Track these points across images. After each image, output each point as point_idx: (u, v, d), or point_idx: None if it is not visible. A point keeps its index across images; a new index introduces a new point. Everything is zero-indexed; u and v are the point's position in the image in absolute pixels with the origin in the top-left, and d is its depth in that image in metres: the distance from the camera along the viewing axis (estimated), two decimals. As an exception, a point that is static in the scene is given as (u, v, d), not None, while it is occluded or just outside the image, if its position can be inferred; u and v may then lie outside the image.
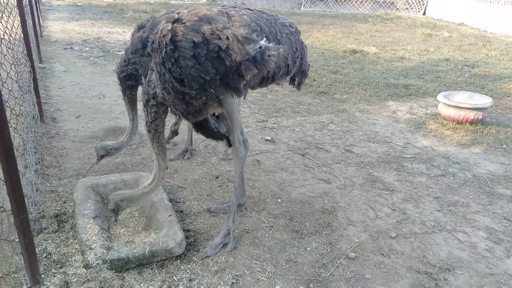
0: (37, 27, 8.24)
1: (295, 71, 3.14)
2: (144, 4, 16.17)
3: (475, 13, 15.52)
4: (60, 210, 3.23)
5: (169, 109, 2.76)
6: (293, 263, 2.91)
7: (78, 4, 15.95)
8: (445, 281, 2.83)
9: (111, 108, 5.67)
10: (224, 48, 2.27)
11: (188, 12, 2.41)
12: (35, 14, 7.97)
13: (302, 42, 3.11)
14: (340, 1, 19.47)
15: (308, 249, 3.08)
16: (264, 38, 2.46)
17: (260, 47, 2.31)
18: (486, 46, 11.68)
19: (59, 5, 15.39)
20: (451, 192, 4.00)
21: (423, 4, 18.72)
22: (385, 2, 19.92)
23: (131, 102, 3.51)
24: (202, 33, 2.28)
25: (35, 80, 4.87)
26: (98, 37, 10.25)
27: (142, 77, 2.71)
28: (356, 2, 19.53)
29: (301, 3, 18.99)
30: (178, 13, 2.42)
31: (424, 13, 18.51)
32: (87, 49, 9.04)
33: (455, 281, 2.83)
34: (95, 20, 12.59)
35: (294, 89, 3.45)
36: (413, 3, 19.08)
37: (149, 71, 2.59)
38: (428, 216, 3.59)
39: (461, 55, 10.32)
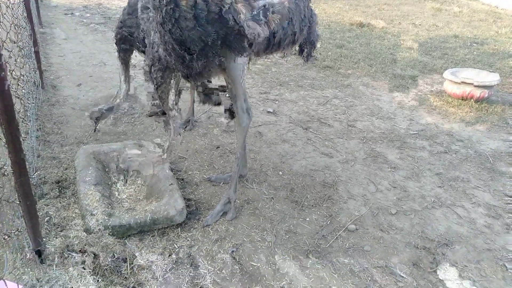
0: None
1: (302, 39, 3.04)
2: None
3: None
4: (61, 176, 3.24)
5: (172, 74, 2.73)
6: (293, 234, 2.94)
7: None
8: (443, 255, 2.85)
9: (112, 76, 5.60)
10: (226, 8, 2.20)
11: None
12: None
13: (311, 9, 3.00)
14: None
15: (308, 220, 3.10)
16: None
17: (264, 5, 2.26)
18: (496, 22, 11.37)
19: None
20: (453, 169, 3.98)
21: (434, -22, 18.06)
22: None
23: (125, 64, 3.50)
24: None
25: (35, 43, 4.77)
26: (99, 3, 10.01)
27: (146, 38, 2.63)
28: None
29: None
30: None
31: (434, -12, 17.90)
32: (88, 15, 8.84)
33: (453, 255, 2.86)
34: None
35: (302, 60, 3.37)
36: (423, -23, 18.42)
37: (152, 32, 2.52)
38: (429, 192, 3.59)
39: (470, 32, 10.06)
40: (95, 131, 3.76)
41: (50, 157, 3.51)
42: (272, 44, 2.68)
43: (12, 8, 3.30)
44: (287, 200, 3.31)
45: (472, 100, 5.50)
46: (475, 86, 5.38)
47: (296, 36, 2.84)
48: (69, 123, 4.20)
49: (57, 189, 3.07)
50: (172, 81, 2.77)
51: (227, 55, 2.51)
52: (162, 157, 3.14)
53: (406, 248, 2.90)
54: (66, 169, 3.36)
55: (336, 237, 2.94)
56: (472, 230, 3.15)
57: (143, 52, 3.10)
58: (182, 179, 3.43)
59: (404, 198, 3.49)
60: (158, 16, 2.28)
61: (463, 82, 5.43)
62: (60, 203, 2.93)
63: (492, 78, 5.49)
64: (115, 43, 3.36)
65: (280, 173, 3.69)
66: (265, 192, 3.38)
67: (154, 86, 2.69)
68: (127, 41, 3.28)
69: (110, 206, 2.83)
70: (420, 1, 14.47)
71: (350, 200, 3.39)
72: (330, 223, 3.08)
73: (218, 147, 4.01)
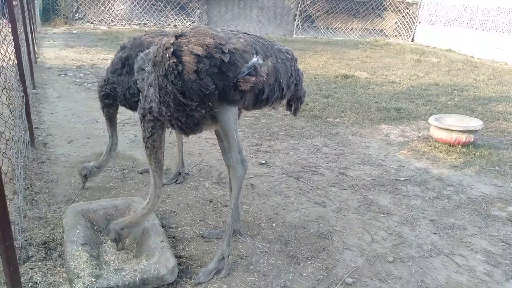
0: (32, 53, 8.27)
1: (290, 95, 3.16)
2: (139, 32, 16.40)
3: (461, 39, 15.98)
4: (48, 237, 3.13)
5: (163, 126, 2.81)
6: (289, 290, 2.82)
7: (73, 32, 16.13)
8: (445, 306, 2.75)
9: (103, 133, 5.63)
10: (226, 62, 2.37)
11: (192, 29, 2.50)
12: (30, 41, 8.01)
13: (298, 69, 3.16)
14: (331, 29, 19.98)
15: (304, 274, 2.99)
16: (257, 57, 2.56)
17: (254, 65, 2.45)
18: (474, 71, 11.95)
19: (54, 33, 15.54)
20: (447, 215, 3.97)
21: (411, 32, 19.26)
22: (375, 29, 20.47)
23: (110, 120, 4.00)
24: (206, 46, 2.35)
25: (27, 105, 4.84)
26: (93, 64, 10.32)
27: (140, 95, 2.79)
28: (346, 29, 20.05)
29: (293, 30, 19.43)
30: (181, 30, 2.53)
31: (412, 40, 19.03)
32: (81, 75, 9.07)
33: (455, 306, 2.76)
34: (90, 47, 12.71)
35: (290, 114, 3.46)
36: (401, 31, 19.64)
37: (146, 88, 2.65)
38: (425, 240, 3.54)
39: (450, 80, 10.53)
40: (83, 187, 3.95)
41: (37, 217, 3.42)
42: (260, 100, 2.78)
43: (5, 73, 3.38)
44: (282, 253, 3.22)
45: (459, 145, 5.61)
46: (460, 131, 5.53)
47: (284, 92, 2.96)
48: (59, 181, 4.15)
49: (43, 251, 2.95)
50: (162, 132, 2.84)
51: (222, 106, 2.60)
52: (143, 212, 3.04)
53: (407, 300, 2.80)
54: (53, 229, 3.25)
55: (334, 292, 2.83)
56: (472, 278, 3.07)
57: (125, 106, 3.72)
58: (174, 237, 3.34)
59: (400, 244, 3.42)
60: (159, 70, 2.40)
61: (448, 129, 5.58)
62: (46, 266, 2.80)
63: (475, 123, 5.66)
64: (99, 100, 3.74)
65: (274, 224, 3.63)
66: (259, 246, 3.30)
67: (146, 136, 2.77)
68: (111, 97, 3.66)
69: (98, 267, 2.71)
70: (400, 53, 15.25)
71: (346, 250, 3.32)
72: (327, 277, 2.99)
73: (211, 202, 3.96)
